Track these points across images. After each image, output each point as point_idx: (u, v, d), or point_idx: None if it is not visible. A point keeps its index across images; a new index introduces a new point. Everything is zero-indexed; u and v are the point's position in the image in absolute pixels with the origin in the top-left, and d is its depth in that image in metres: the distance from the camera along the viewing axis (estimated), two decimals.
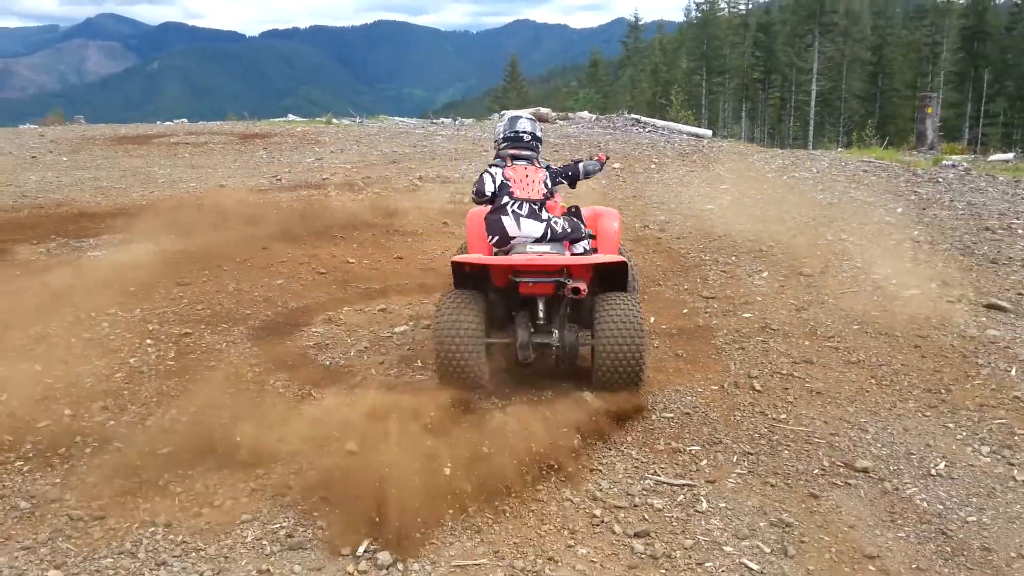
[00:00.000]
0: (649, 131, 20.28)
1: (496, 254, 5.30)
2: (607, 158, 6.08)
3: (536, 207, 5.29)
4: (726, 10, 73.62)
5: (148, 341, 5.99)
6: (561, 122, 21.71)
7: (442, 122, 22.47)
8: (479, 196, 5.39)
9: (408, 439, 4.08)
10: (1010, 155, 19.75)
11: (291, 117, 25.82)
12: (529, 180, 5.36)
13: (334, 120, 22.66)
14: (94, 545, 3.52)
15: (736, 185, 12.25)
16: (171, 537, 3.57)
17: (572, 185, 5.87)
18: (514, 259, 5.01)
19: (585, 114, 24.71)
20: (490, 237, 5.31)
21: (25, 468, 4.13)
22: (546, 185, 5.41)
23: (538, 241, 5.22)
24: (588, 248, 5.53)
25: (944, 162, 15.07)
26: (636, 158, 14.55)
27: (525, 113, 5.99)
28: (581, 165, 5.84)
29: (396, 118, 24.96)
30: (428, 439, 4.13)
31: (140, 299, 6.84)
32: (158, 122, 25.01)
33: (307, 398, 5.04)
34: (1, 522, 3.68)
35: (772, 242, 8.91)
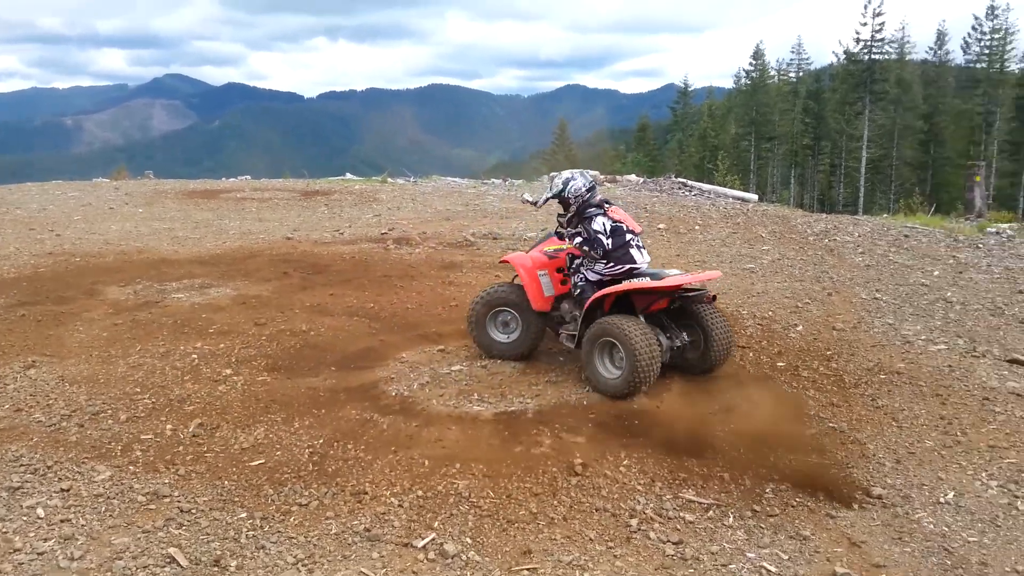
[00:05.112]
0: (695, 194, 20.86)
1: (612, 282, 6.29)
2: None
3: (640, 240, 6.51)
4: (776, 77, 74.49)
5: (228, 371, 6.65)
6: (609, 184, 22.40)
7: (492, 182, 23.29)
8: (605, 254, 6.29)
9: None
10: None
11: (348, 176, 27.01)
12: (631, 217, 6.54)
13: (389, 179, 23.69)
14: (203, 532, 4.12)
15: (776, 247, 12.74)
16: (267, 527, 4.15)
17: None
18: (668, 283, 6.11)
19: (632, 177, 25.37)
20: (618, 267, 6.29)
21: (138, 471, 4.77)
22: None
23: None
24: None
25: (989, 229, 15.37)
26: (680, 219, 15.11)
27: (577, 172, 6.82)
28: None
29: (448, 178, 25.96)
30: None
31: (221, 336, 7.55)
32: (223, 178, 26.36)
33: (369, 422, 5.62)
34: (124, 512, 4.30)
35: (808, 299, 9.37)
